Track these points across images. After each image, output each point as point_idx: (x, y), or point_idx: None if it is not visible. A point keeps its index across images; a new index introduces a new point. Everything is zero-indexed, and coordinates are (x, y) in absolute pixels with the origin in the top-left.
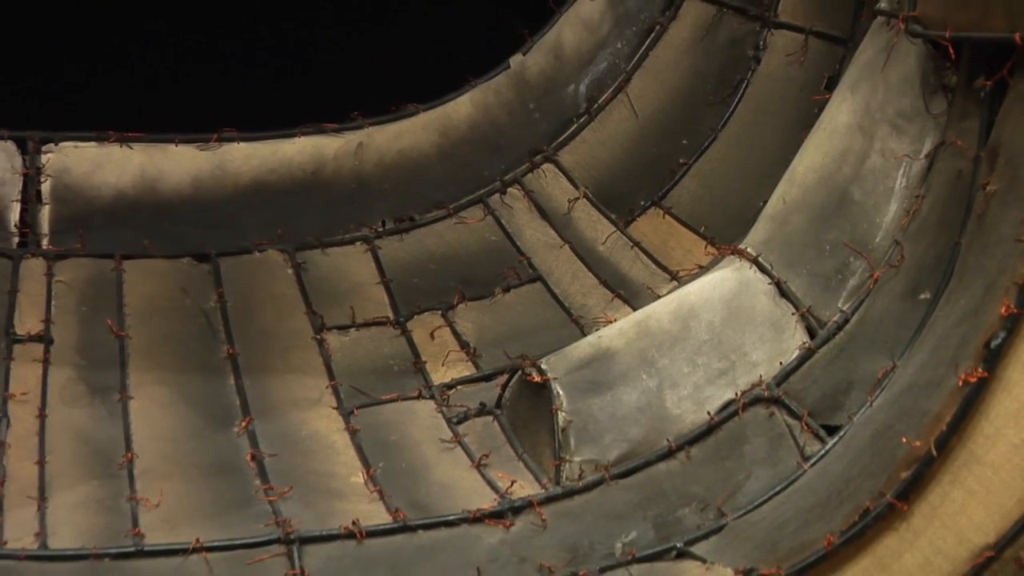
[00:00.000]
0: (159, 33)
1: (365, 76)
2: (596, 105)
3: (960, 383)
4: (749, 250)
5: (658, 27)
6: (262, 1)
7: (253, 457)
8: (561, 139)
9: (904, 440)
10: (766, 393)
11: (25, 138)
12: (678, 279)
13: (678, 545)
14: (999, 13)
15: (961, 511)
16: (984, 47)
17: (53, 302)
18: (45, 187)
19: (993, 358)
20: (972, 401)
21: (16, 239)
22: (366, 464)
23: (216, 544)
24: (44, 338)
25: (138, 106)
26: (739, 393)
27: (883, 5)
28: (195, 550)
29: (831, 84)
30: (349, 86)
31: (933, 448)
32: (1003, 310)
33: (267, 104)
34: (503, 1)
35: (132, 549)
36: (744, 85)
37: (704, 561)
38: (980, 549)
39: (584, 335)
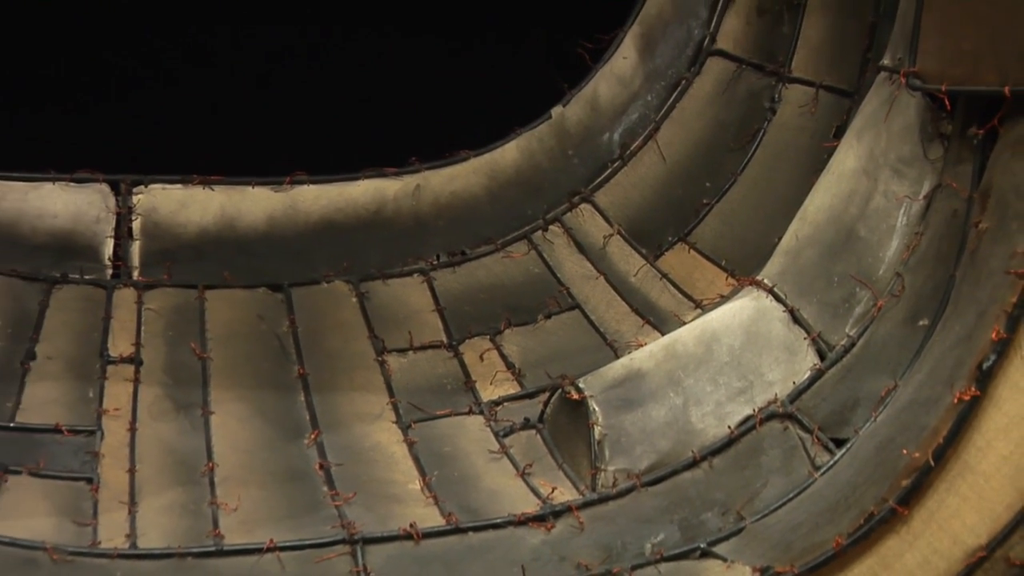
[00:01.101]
0: (240, 87)
1: (422, 125)
2: (628, 151)
3: (955, 400)
4: (766, 281)
5: (684, 82)
6: (332, 62)
7: (321, 466)
8: (597, 182)
9: (905, 452)
10: (781, 409)
11: (118, 181)
12: (702, 307)
13: (702, 546)
14: (990, 68)
15: (956, 515)
16: (977, 99)
17: (142, 327)
18: (136, 225)
19: (985, 378)
20: (966, 417)
21: (110, 271)
22: (422, 472)
23: (288, 544)
24: (134, 360)
25: (219, 151)
26: (756, 409)
27: (886, 61)
28: (269, 550)
29: (839, 132)
30: (407, 134)
31: (931, 459)
32: (993, 335)
33: (334, 150)
34: (546, 58)
35: (213, 549)
36: (761, 133)
37: (725, 560)
38: (973, 549)
39: (617, 357)
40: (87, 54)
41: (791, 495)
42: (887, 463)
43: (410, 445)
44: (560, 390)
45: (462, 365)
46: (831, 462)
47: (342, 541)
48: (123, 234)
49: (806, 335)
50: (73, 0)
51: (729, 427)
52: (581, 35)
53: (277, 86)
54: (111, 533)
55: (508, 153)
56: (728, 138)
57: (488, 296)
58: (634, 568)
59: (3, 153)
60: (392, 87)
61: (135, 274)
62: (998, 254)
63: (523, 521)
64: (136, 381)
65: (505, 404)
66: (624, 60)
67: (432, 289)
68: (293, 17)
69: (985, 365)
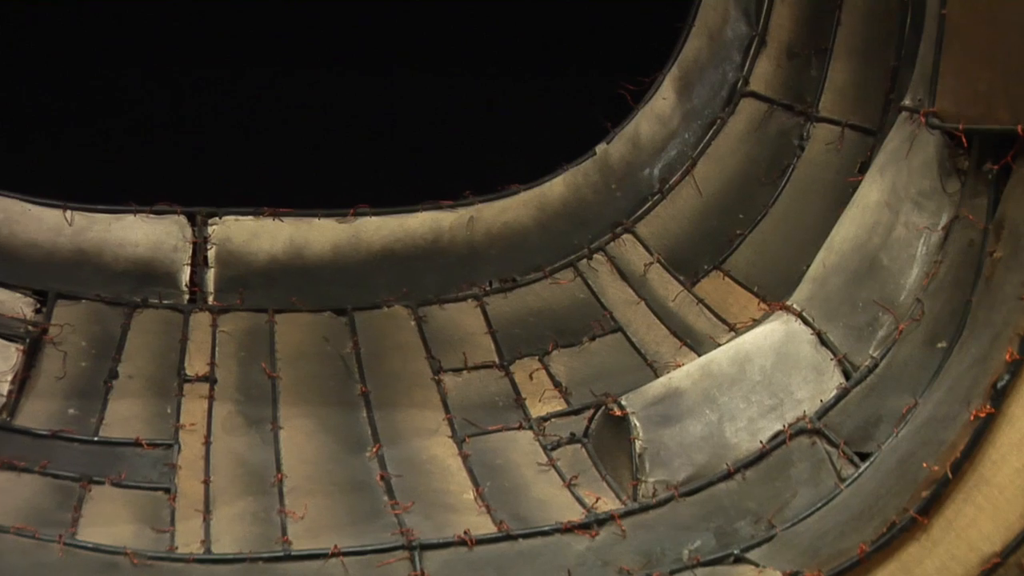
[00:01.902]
0: (308, 126)
1: (476, 161)
2: (667, 185)
3: (971, 418)
4: (795, 306)
5: (719, 121)
6: (392, 103)
7: (382, 477)
8: (638, 214)
9: (925, 465)
10: (809, 425)
11: (195, 213)
12: (735, 330)
13: (735, 552)
14: (1004, 108)
15: (972, 524)
16: (991, 137)
17: (217, 349)
18: (211, 253)
19: (999, 397)
20: (981, 432)
21: (186, 296)
22: (475, 483)
23: (351, 550)
24: (209, 378)
25: (288, 185)
26: (786, 425)
27: (907, 102)
28: (333, 555)
29: (863, 168)
30: (462, 169)
31: (949, 471)
32: (1007, 357)
33: (394, 184)
34: (591, 99)
35: (281, 554)
36: (791, 169)
37: (757, 565)
38: (988, 556)
39: (657, 377)
40: (169, 96)
41: (819, 505)
42: (908, 475)
43: (464, 458)
44: (604, 407)
45: (513, 384)
46: (856, 474)
47: (401, 547)
48: (199, 262)
49: (832, 356)
50: (150, 44)
51: (761, 442)
52: (623, 77)
53: (342, 125)
54: (187, 539)
55: (556, 187)
56: (760, 173)
57: (537, 320)
58: (672, 573)
59: (88, 186)
60: (448, 126)
61: (210, 299)
62: (1012, 281)
63: (569, 529)
64: (211, 398)
65: (553, 420)
66: (663, 101)
67: (485, 313)
68: (356, 61)
69: (999, 384)
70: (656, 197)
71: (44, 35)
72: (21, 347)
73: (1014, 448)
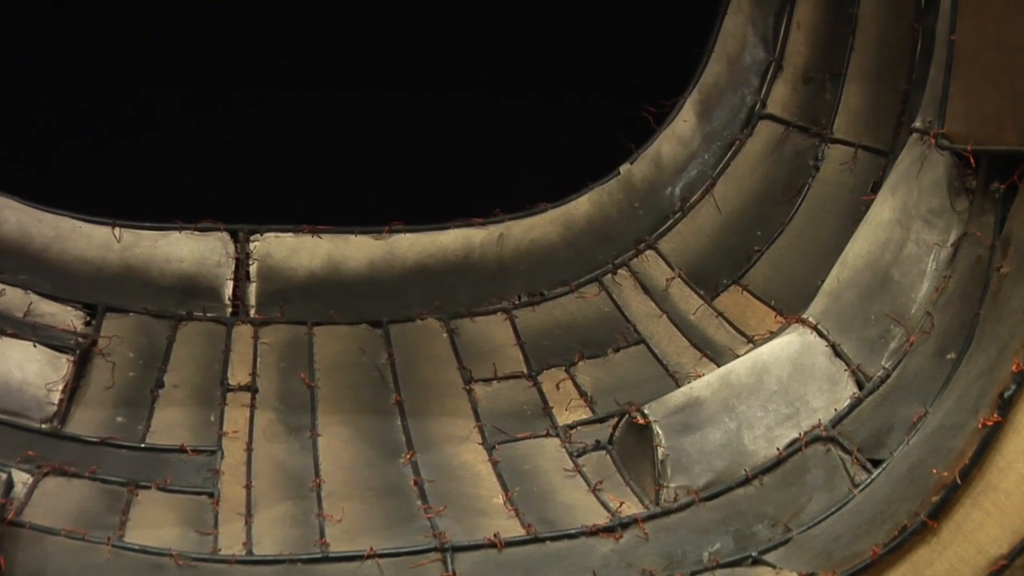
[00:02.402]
0: (344, 146)
1: (505, 180)
2: (688, 204)
3: (979, 426)
4: (810, 319)
5: (737, 142)
6: (425, 124)
7: (415, 482)
8: (660, 231)
9: (935, 471)
10: (824, 433)
11: (237, 230)
12: (753, 342)
13: (753, 554)
14: (1010, 130)
15: (980, 528)
16: (999, 157)
17: (258, 359)
18: (252, 268)
19: (1006, 406)
20: (989, 440)
21: (229, 310)
22: (505, 488)
23: (386, 552)
24: (251, 388)
25: (325, 203)
26: (802, 433)
27: (917, 124)
28: (369, 556)
29: (876, 187)
30: (492, 188)
31: (958, 478)
32: (1014, 367)
33: (427, 202)
34: (615, 121)
35: (320, 555)
36: (806, 188)
37: (774, 567)
38: (996, 558)
39: (678, 387)
40: (215, 119)
41: (833, 509)
42: (919, 481)
43: (494, 464)
44: (627, 415)
45: (540, 393)
46: (869, 480)
47: (434, 549)
48: (241, 277)
49: (846, 367)
50: (197, 68)
51: (778, 449)
52: (646, 101)
53: (378, 146)
54: (230, 541)
55: (581, 205)
56: (777, 192)
57: (563, 332)
58: (693, 574)
59: (136, 205)
60: (479, 146)
61: (252, 312)
62: (1018, 295)
63: (594, 532)
64: (252, 407)
65: (578, 428)
66: (684, 123)
67: (514, 326)
68: (392, 84)
69: (1006, 394)
70: (677, 215)
71: (92, 57)
72: (71, 358)
73: (1020, 455)
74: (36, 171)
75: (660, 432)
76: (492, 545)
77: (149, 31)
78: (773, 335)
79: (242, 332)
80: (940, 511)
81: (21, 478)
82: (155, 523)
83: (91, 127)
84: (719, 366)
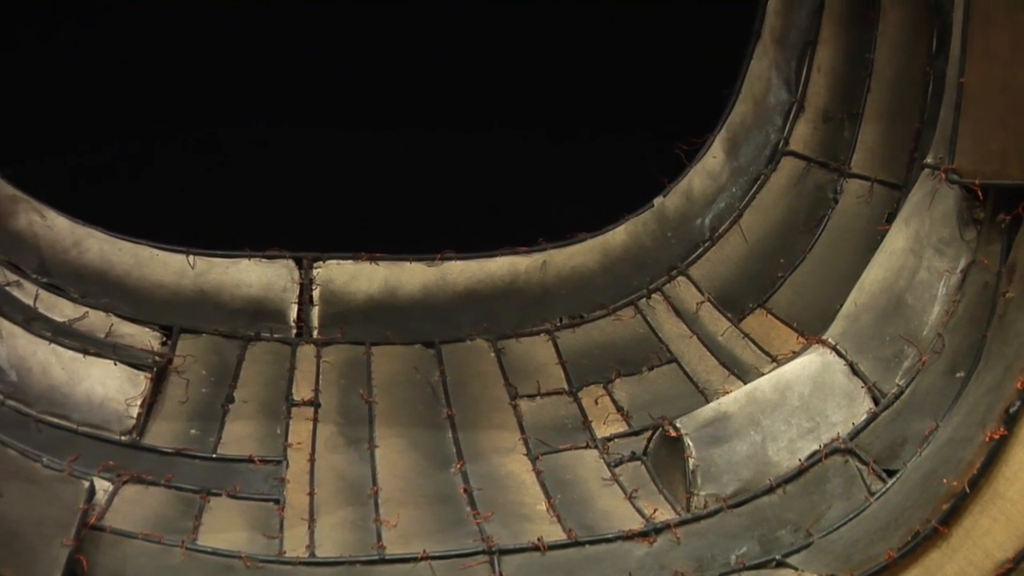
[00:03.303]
0: (402, 181)
1: (548, 212)
2: (717, 233)
3: (987, 439)
4: (830, 340)
5: (762, 177)
6: (475, 159)
7: (465, 490)
8: (691, 258)
9: (945, 481)
10: (842, 446)
11: (301, 257)
12: (777, 361)
13: (777, 557)
14: (1015, 166)
15: (988, 533)
16: (1004, 191)
17: (320, 377)
18: (315, 293)
19: (1011, 421)
20: (996, 452)
21: (294, 331)
22: (547, 496)
23: (438, 554)
24: (314, 403)
25: (382, 232)
26: (822, 445)
27: (929, 160)
28: (422, 559)
29: (890, 218)
30: (536, 219)
31: (967, 487)
32: (1019, 385)
33: (476, 232)
34: (649, 157)
35: (377, 557)
36: (826, 219)
37: (796, 569)
38: (1002, 562)
39: (707, 402)
40: (281, 154)
41: (851, 516)
42: (930, 490)
43: (537, 473)
44: (661, 429)
45: (580, 408)
46: (884, 489)
47: (482, 552)
48: (305, 301)
49: (863, 384)
50: (262, 111)
51: (800, 460)
52: (678, 138)
53: (430, 180)
54: (294, 544)
55: (618, 235)
56: (799, 223)
57: (602, 352)
58: (721, 575)
59: (208, 234)
60: (525, 181)
61: (315, 333)
62: (1022, 319)
63: (630, 536)
64: (315, 420)
65: (615, 440)
66: (713, 159)
67: (556, 346)
68: (445, 122)
69: (1012, 410)
70: (707, 244)
71: (170, 99)
72: (149, 375)
73: None
74: (117, 203)
75: (691, 444)
76: (536, 548)
77: (220, 71)
78: (795, 355)
79: (306, 352)
80: (950, 518)
81: (102, 486)
82: (225, 527)
83: (168, 163)
84: (745, 383)
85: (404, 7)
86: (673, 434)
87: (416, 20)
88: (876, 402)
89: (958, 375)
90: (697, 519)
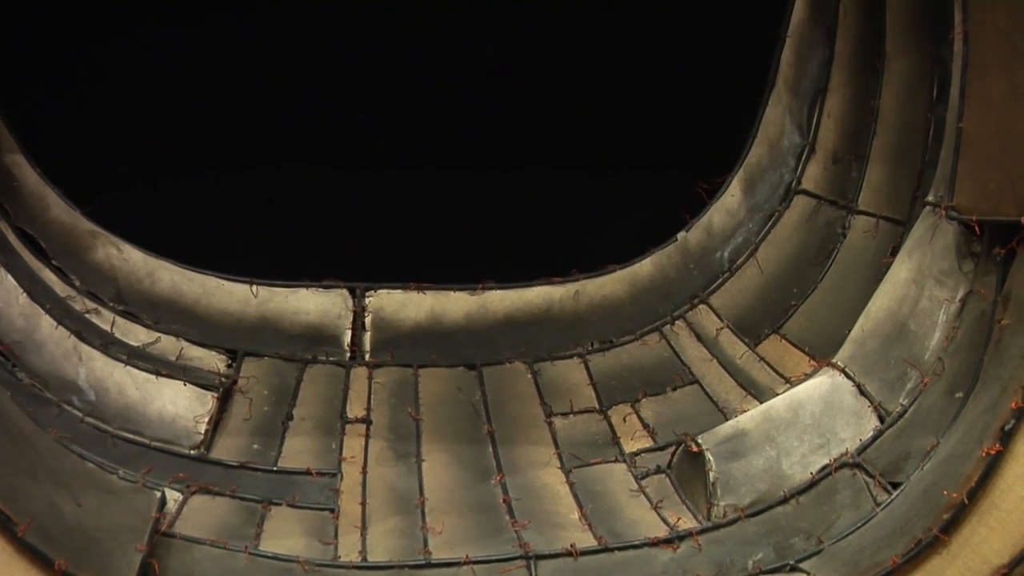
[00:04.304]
0: (446, 221)
1: (580, 246)
2: (735, 265)
3: (984, 454)
4: (839, 363)
5: (777, 213)
6: (514, 197)
7: (504, 501)
8: (711, 288)
9: (945, 492)
10: (851, 460)
11: (355, 287)
12: (790, 383)
13: (791, 562)
14: (1010, 203)
15: (985, 541)
16: (1000, 226)
17: (372, 396)
18: (368, 320)
19: (1006, 438)
20: (992, 467)
21: (348, 354)
22: (580, 506)
23: (479, 559)
24: (366, 420)
25: (429, 265)
26: (832, 460)
27: (930, 198)
28: (465, 563)
29: (895, 252)
30: (570, 252)
31: (965, 498)
32: (1013, 405)
33: (514, 264)
34: (673, 195)
35: (423, 562)
36: (835, 252)
37: (809, 574)
38: (997, 568)
39: (726, 420)
40: (335, 195)
41: (859, 525)
42: (932, 501)
43: (570, 485)
44: (684, 444)
45: (610, 425)
46: (889, 500)
47: (520, 557)
48: (358, 327)
49: (870, 404)
50: (317, 151)
51: (811, 473)
52: (699, 177)
53: (472, 215)
54: (348, 550)
55: (645, 267)
56: (810, 256)
57: (629, 374)
58: None
59: (271, 266)
60: (559, 216)
61: (367, 357)
62: (1016, 344)
63: (655, 543)
64: (367, 436)
65: (642, 455)
66: (732, 197)
67: (587, 368)
68: (486, 163)
69: (1007, 427)
70: (726, 275)
71: (227, 141)
72: (216, 395)
73: (1019, 479)
74: (187, 237)
75: (711, 459)
76: (569, 554)
77: (276, 110)
78: (807, 377)
79: (359, 373)
80: (950, 527)
81: (173, 496)
82: (285, 534)
83: (233, 199)
84: (761, 403)
85: (449, 50)
86: (695, 449)
87: (462, 65)
88: (882, 420)
89: (957, 395)
90: (717, 527)
